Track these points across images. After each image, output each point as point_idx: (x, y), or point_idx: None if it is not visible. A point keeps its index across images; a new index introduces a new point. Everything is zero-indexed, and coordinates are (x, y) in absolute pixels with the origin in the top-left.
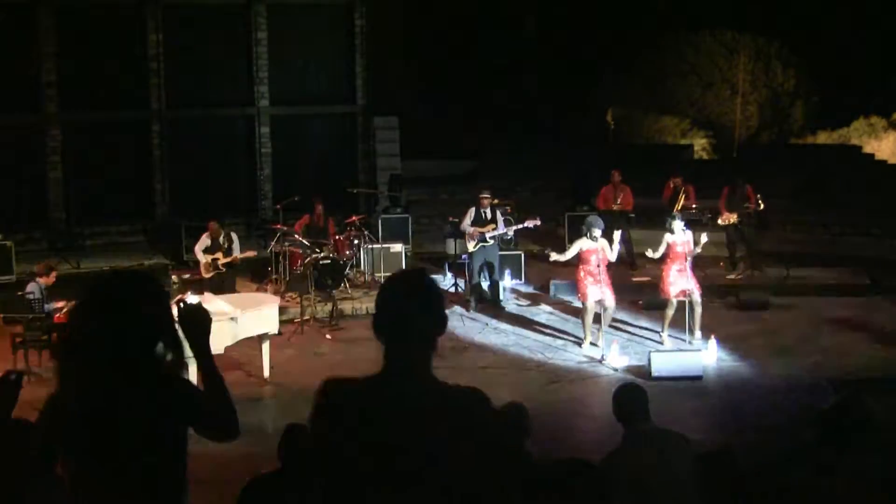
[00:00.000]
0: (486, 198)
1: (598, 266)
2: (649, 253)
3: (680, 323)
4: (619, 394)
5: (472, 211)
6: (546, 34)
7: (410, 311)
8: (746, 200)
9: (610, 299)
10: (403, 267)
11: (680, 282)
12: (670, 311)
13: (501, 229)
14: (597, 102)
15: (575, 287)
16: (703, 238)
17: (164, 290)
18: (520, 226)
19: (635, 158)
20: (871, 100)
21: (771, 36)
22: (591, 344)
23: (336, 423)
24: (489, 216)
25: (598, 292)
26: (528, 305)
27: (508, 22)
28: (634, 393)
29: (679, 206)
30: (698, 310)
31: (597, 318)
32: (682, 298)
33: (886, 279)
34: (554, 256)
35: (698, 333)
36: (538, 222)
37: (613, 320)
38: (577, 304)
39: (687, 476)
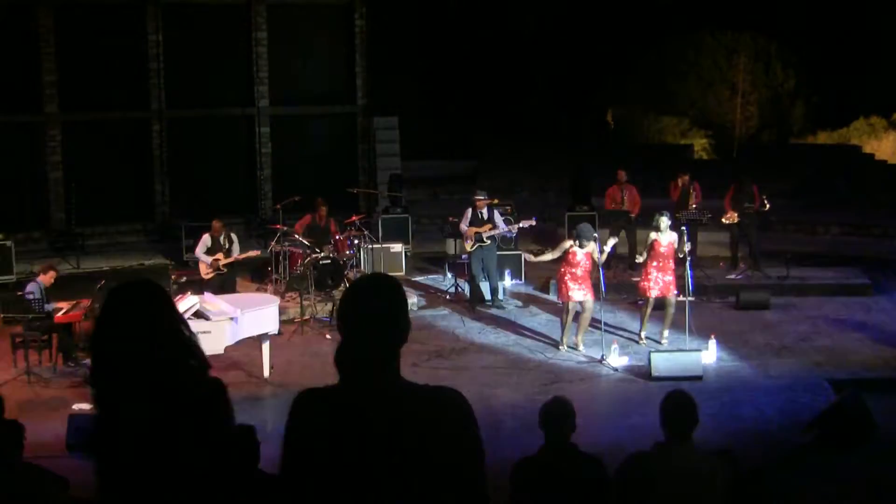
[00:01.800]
0: (481, 199)
1: (582, 267)
2: (638, 259)
3: (678, 324)
4: (666, 403)
5: (469, 212)
6: (546, 34)
7: (372, 314)
8: (751, 199)
9: (589, 301)
10: (403, 267)
11: (659, 281)
12: (647, 310)
13: (501, 228)
14: (597, 102)
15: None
16: (611, 242)
17: (165, 293)
18: (517, 225)
19: (635, 158)
20: (871, 100)
21: (771, 36)
22: (569, 347)
23: (309, 436)
24: (486, 217)
25: (579, 294)
26: (528, 306)
27: (508, 22)
28: (685, 404)
29: (691, 205)
30: (670, 310)
31: (576, 319)
32: (660, 297)
33: (886, 279)
34: (531, 258)
35: (666, 332)
36: (533, 222)
37: (612, 322)
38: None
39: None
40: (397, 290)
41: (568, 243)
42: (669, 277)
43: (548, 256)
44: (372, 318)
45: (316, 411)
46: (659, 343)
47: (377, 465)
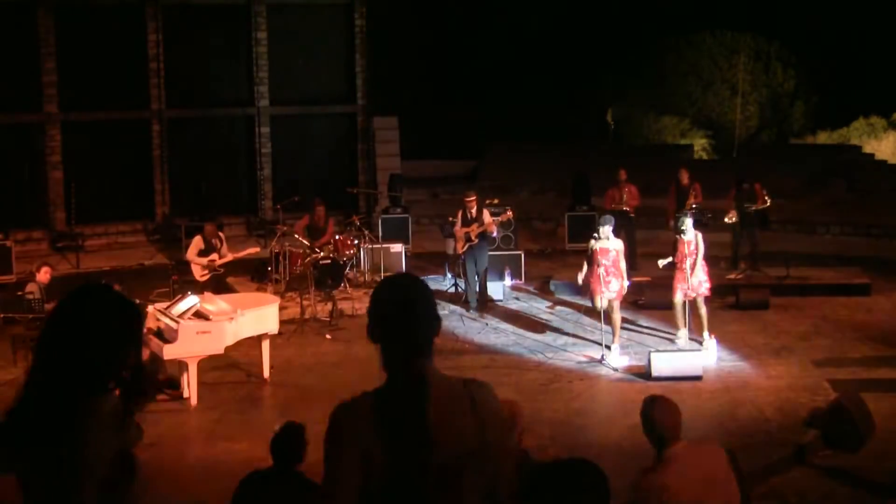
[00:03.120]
0: (470, 200)
1: (605, 266)
2: (661, 262)
3: (678, 324)
4: (648, 411)
5: (460, 213)
6: (547, 34)
7: (408, 315)
8: (753, 199)
9: (615, 302)
10: (403, 267)
11: (686, 282)
12: (678, 310)
13: (489, 219)
14: (597, 102)
15: (582, 288)
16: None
17: (129, 306)
18: (497, 219)
19: (635, 158)
20: (871, 100)
21: (771, 36)
22: (597, 343)
23: (359, 441)
24: (474, 217)
25: (605, 294)
26: (528, 305)
27: (509, 22)
28: (669, 410)
29: (690, 204)
30: (702, 310)
31: (606, 319)
32: (687, 298)
33: (886, 279)
34: (580, 276)
35: (706, 334)
36: (509, 214)
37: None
38: (580, 303)
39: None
40: (425, 283)
41: (591, 242)
42: (700, 278)
43: (584, 269)
44: (417, 311)
45: (360, 416)
46: (701, 345)
47: (433, 454)
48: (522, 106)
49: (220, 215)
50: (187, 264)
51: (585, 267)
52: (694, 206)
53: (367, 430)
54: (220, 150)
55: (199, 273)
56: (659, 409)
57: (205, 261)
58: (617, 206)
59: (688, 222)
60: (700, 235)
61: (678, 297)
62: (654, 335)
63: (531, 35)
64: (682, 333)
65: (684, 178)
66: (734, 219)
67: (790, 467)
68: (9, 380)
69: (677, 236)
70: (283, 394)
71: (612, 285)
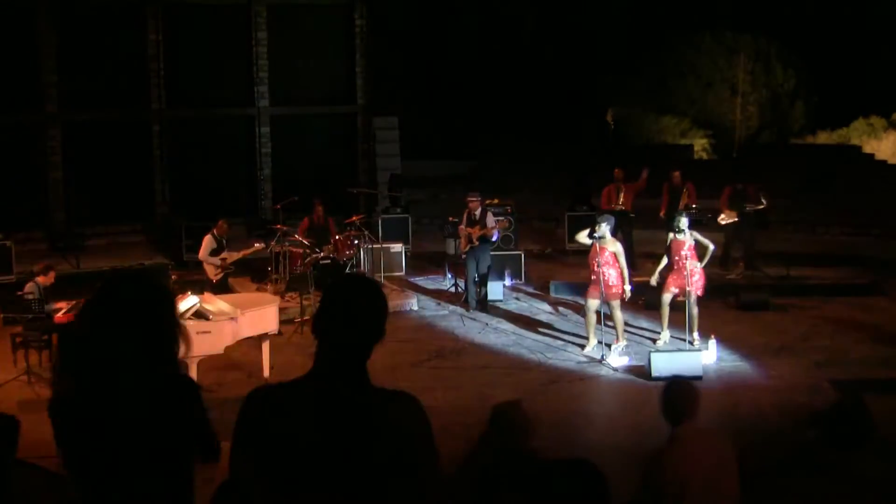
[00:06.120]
0: (473, 201)
1: (600, 263)
2: (653, 280)
3: (678, 323)
4: (669, 391)
5: (465, 214)
6: (546, 33)
7: (352, 316)
8: (748, 200)
9: (612, 303)
10: (403, 267)
11: (677, 280)
12: (665, 310)
13: (491, 223)
14: (597, 102)
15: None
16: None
17: (169, 291)
18: (496, 221)
19: (635, 158)
20: (871, 100)
21: (771, 36)
22: (600, 343)
23: (261, 431)
24: (477, 218)
25: (595, 293)
26: (528, 305)
27: (509, 21)
28: (685, 391)
29: (682, 204)
30: (693, 311)
31: (599, 319)
32: (680, 298)
33: (886, 279)
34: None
35: (696, 334)
36: (506, 224)
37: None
38: (580, 303)
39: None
40: (379, 289)
41: (588, 235)
42: (692, 279)
43: (578, 239)
44: (358, 314)
45: (270, 406)
46: (692, 345)
47: (335, 461)
48: (522, 106)
49: (221, 216)
50: (191, 264)
51: (579, 237)
52: (693, 206)
53: (264, 422)
54: (220, 150)
55: (212, 273)
56: (677, 390)
57: (217, 260)
58: (614, 206)
59: (684, 222)
60: (697, 235)
61: (666, 297)
62: (654, 335)
63: (531, 35)
64: (665, 335)
65: (676, 178)
66: (733, 217)
67: (790, 467)
68: (9, 380)
69: (673, 235)
70: None
71: (599, 285)
